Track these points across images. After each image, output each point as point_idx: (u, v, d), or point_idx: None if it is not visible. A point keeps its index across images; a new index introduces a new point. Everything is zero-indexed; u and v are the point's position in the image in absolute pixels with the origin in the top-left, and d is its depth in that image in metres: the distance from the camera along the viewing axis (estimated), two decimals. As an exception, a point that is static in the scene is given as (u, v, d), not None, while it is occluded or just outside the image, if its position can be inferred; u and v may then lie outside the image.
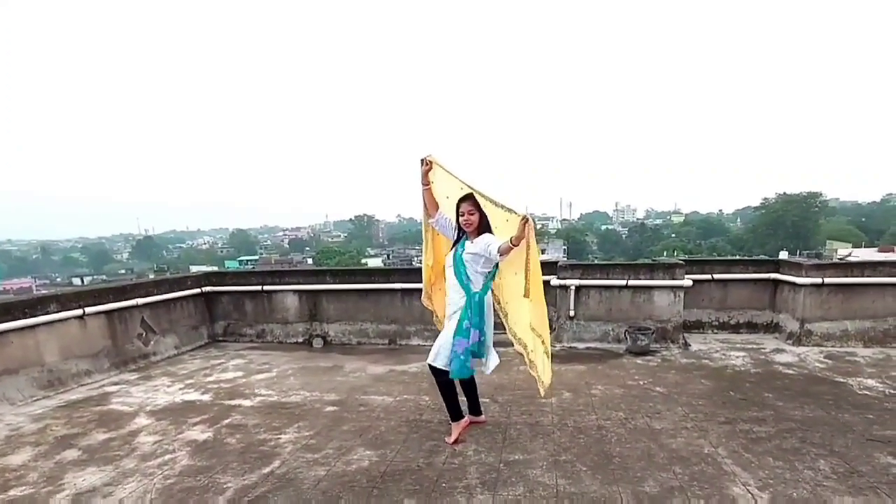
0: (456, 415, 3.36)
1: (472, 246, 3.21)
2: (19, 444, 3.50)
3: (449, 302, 3.33)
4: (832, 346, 5.37)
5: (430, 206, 3.49)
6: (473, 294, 3.19)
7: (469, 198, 3.26)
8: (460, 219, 3.26)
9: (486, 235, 3.22)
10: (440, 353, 3.23)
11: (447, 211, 3.42)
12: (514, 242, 3.02)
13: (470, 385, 3.48)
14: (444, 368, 3.22)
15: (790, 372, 4.61)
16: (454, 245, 3.34)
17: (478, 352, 3.21)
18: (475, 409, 3.57)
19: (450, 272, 3.30)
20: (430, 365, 3.29)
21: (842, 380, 4.35)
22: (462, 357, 3.14)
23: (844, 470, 2.81)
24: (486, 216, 3.27)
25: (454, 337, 3.18)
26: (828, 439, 3.19)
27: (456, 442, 3.28)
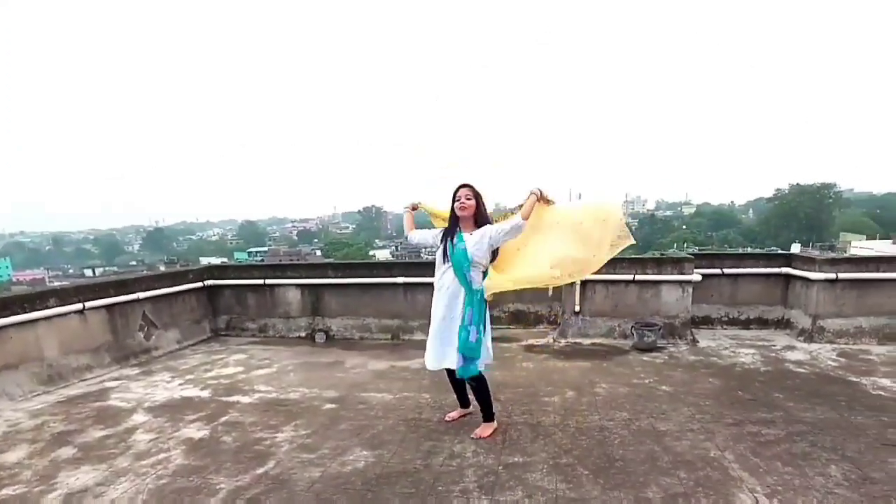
0: (489, 416, 3.36)
1: (475, 238, 3.12)
2: (16, 441, 3.48)
3: (441, 304, 3.20)
4: (845, 344, 5.23)
5: (408, 227, 3.56)
6: (475, 291, 3.11)
7: (467, 185, 3.21)
8: (455, 204, 3.18)
9: (484, 227, 3.16)
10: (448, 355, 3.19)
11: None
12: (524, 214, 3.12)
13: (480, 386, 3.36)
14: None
15: (801, 370, 4.48)
16: (445, 240, 3.22)
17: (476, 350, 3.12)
18: (465, 401, 3.61)
19: (446, 270, 3.19)
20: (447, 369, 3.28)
21: (855, 379, 4.22)
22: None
23: (857, 476, 2.70)
24: (484, 207, 3.22)
25: (460, 333, 3.10)
26: (840, 443, 3.08)
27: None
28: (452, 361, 3.15)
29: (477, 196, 3.19)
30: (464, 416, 3.59)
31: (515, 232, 3.14)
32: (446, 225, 3.31)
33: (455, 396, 3.61)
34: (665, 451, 3.03)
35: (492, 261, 3.23)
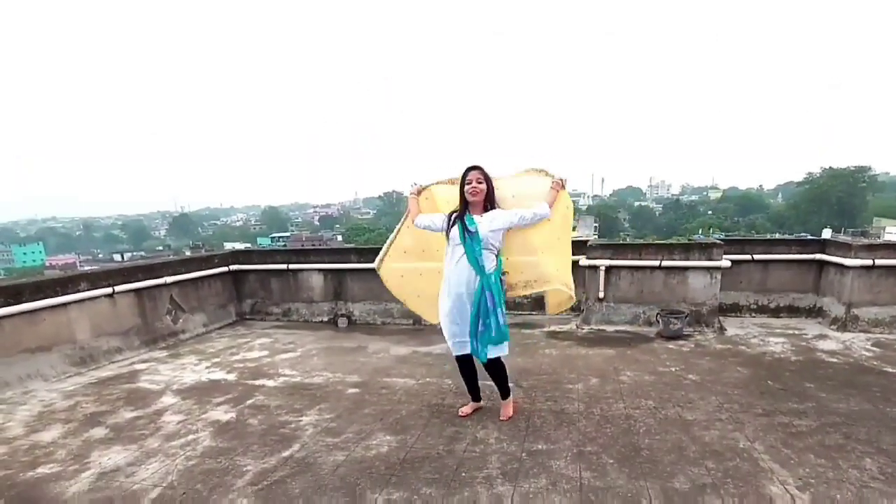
0: (506, 392, 3.39)
1: (489, 221, 3.08)
2: (50, 420, 3.60)
3: (456, 282, 3.10)
4: (881, 333, 5.05)
5: (413, 212, 3.48)
6: (489, 275, 3.05)
7: (477, 167, 3.16)
8: (466, 187, 3.12)
9: (496, 211, 3.15)
10: (469, 340, 3.12)
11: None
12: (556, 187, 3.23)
13: (499, 367, 3.31)
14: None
15: (834, 360, 4.35)
16: (453, 224, 3.15)
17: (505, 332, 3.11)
18: (478, 395, 3.50)
19: (459, 252, 3.09)
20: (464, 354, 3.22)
21: (891, 370, 4.08)
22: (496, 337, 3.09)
23: (894, 470, 2.61)
24: (493, 190, 3.19)
25: (486, 320, 3.04)
26: (875, 436, 2.98)
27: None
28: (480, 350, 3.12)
29: (487, 179, 3.15)
30: (477, 409, 3.48)
31: (536, 221, 3.15)
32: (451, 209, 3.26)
33: (466, 389, 3.49)
34: (692, 441, 2.97)
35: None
